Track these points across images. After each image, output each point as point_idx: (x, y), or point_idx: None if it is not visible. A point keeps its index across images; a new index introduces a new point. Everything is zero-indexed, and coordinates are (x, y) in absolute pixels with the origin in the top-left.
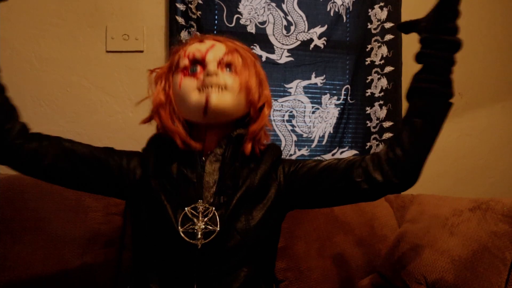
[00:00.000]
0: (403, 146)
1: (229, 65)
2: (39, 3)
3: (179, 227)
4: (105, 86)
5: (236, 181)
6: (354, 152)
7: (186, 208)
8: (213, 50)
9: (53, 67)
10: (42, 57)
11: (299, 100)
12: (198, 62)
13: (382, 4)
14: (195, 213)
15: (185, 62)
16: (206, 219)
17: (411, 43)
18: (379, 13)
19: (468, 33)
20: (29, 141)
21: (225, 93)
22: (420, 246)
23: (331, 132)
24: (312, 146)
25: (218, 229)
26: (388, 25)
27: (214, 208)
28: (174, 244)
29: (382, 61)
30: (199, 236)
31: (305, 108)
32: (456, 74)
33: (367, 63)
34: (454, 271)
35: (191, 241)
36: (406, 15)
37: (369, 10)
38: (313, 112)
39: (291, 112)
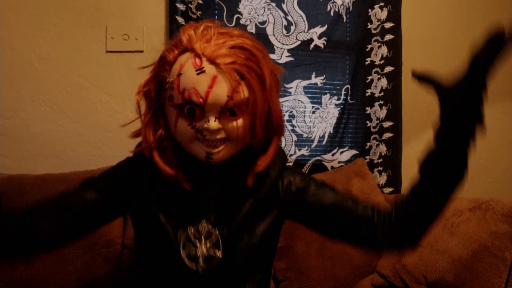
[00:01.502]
0: (409, 217)
1: (233, 110)
2: (39, 3)
3: (181, 250)
4: (105, 86)
5: (239, 195)
6: (354, 152)
7: (188, 229)
8: (215, 91)
9: (53, 67)
10: (42, 57)
11: (299, 100)
12: (196, 105)
13: (382, 4)
14: (197, 234)
15: (178, 99)
16: (208, 243)
17: (411, 43)
18: (379, 13)
19: (468, 33)
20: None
21: (228, 144)
22: (420, 246)
23: (331, 132)
24: (312, 146)
25: (221, 256)
26: (388, 25)
27: (217, 230)
28: (175, 266)
29: (382, 61)
30: (201, 262)
31: (305, 108)
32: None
33: (367, 63)
34: (454, 271)
35: (192, 264)
36: (406, 15)
37: (369, 10)
38: (313, 112)
39: (291, 112)
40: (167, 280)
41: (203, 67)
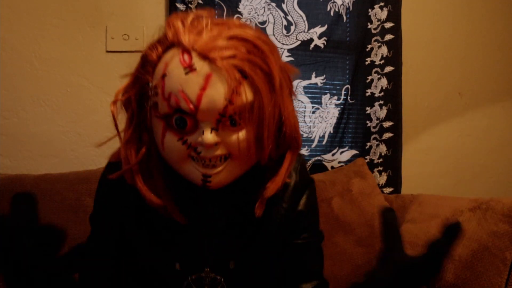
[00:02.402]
0: None
1: (234, 118)
2: (39, 3)
3: None
4: (105, 86)
5: (247, 228)
6: (354, 152)
7: (189, 278)
8: (209, 93)
9: (53, 67)
10: (42, 57)
11: (299, 100)
12: (186, 113)
13: (382, 4)
14: (199, 283)
15: (164, 107)
16: None
17: (411, 43)
18: (379, 13)
19: (468, 33)
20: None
21: (230, 163)
22: (420, 246)
23: (331, 132)
24: (312, 146)
25: None
26: (388, 25)
27: (223, 279)
28: None
29: (382, 61)
30: None
31: (305, 108)
32: (456, 74)
33: (367, 63)
34: (454, 271)
35: None
36: (406, 15)
37: (369, 10)
38: (313, 112)
39: None
40: None
41: (193, 64)
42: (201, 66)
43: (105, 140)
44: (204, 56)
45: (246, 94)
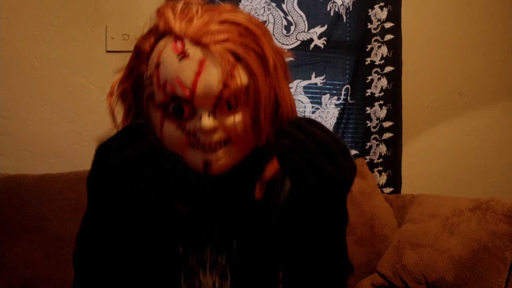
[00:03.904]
0: None
1: (230, 102)
2: (39, 3)
3: (182, 283)
4: (105, 86)
5: (249, 212)
6: (354, 152)
7: (190, 258)
8: (204, 78)
9: (53, 67)
10: (42, 57)
11: (299, 100)
12: (182, 100)
13: (382, 4)
14: (201, 264)
15: (160, 96)
16: (214, 273)
17: (411, 43)
18: (379, 13)
19: (468, 33)
20: None
21: (229, 148)
22: (420, 246)
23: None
24: None
25: None
26: (388, 25)
27: (224, 259)
28: None
29: (382, 61)
30: None
31: (305, 108)
32: (456, 74)
33: (367, 63)
34: (454, 271)
35: None
36: (406, 15)
37: (369, 10)
38: (313, 112)
39: None
40: None
41: (186, 50)
42: (194, 51)
43: (105, 135)
44: (197, 42)
45: (241, 77)
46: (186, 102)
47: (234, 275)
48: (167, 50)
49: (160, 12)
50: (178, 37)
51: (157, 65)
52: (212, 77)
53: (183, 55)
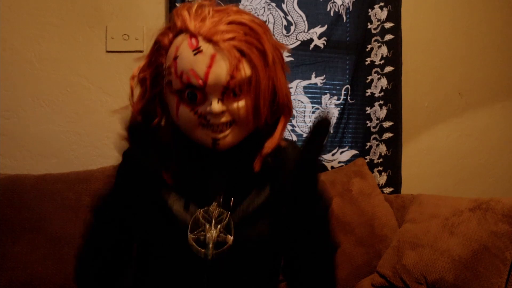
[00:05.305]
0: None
1: (235, 90)
2: (39, 3)
3: (189, 234)
4: (105, 86)
5: (251, 182)
6: (354, 152)
7: (197, 211)
8: (214, 70)
9: (53, 67)
10: (42, 57)
11: (299, 100)
12: (196, 88)
13: (382, 4)
14: (207, 217)
15: (177, 84)
16: (219, 226)
17: (411, 43)
18: (379, 13)
19: (468, 33)
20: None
21: (235, 128)
22: (420, 246)
23: (331, 132)
24: None
25: (231, 243)
26: (388, 25)
27: (229, 214)
28: (181, 253)
29: (382, 61)
30: (210, 246)
31: (305, 108)
32: (456, 74)
33: (367, 63)
34: (454, 271)
35: (200, 250)
36: (406, 15)
37: (369, 10)
38: (313, 112)
39: None
40: (172, 268)
41: (200, 47)
42: (206, 47)
43: (120, 108)
44: (209, 39)
45: (245, 70)
46: (199, 89)
47: (237, 231)
48: (183, 46)
49: (177, 12)
50: (193, 35)
51: (175, 58)
52: (221, 70)
53: (197, 50)
